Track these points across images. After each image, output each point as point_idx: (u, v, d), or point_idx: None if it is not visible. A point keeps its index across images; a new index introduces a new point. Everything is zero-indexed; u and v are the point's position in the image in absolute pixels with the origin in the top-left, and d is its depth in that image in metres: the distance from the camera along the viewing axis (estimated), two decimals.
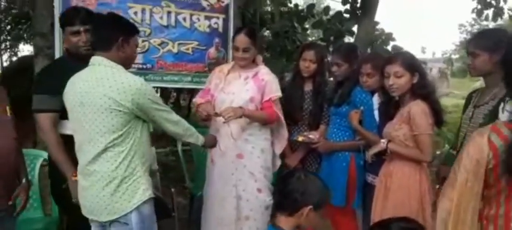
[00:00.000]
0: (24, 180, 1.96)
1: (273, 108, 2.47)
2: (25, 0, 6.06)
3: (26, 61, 5.27)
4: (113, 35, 1.77)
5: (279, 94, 2.51)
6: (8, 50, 12.14)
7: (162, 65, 3.45)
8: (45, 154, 2.53)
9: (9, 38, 10.51)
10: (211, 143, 2.28)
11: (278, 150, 2.62)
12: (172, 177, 4.16)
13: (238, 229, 2.48)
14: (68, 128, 1.97)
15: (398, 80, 2.05)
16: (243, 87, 2.48)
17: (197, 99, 2.61)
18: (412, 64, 2.06)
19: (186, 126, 1.97)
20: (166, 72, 3.43)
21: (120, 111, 1.68)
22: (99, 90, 1.69)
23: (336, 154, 2.52)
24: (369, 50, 4.90)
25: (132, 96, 1.68)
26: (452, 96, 12.83)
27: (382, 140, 2.12)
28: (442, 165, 2.20)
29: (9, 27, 9.34)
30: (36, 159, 2.73)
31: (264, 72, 2.54)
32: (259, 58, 2.64)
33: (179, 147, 2.72)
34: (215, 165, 2.54)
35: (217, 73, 2.62)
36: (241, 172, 2.48)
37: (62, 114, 2.01)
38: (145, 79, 3.29)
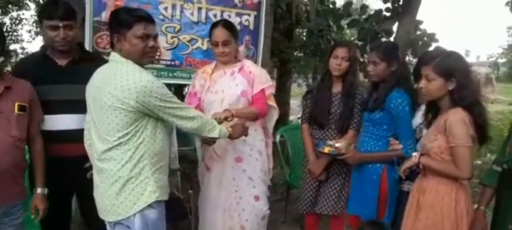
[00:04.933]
0: (39, 189, 1.96)
1: (263, 99, 2.38)
2: None
3: None
4: (111, 33, 1.77)
5: (270, 83, 2.43)
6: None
7: (191, 62, 3.41)
8: None
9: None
10: (240, 133, 2.13)
11: (270, 149, 2.55)
12: None
13: None
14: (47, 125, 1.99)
15: (428, 84, 1.86)
16: (231, 82, 2.39)
17: None
18: (448, 69, 1.82)
19: (204, 121, 1.88)
20: (195, 69, 3.37)
21: (124, 109, 1.64)
22: (106, 87, 1.66)
23: (366, 165, 2.33)
24: (409, 52, 4.66)
25: (136, 94, 1.63)
26: (499, 102, 12.13)
27: (414, 153, 1.94)
28: (486, 187, 1.95)
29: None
30: None
31: (249, 65, 2.46)
32: (241, 53, 2.56)
33: (197, 144, 2.63)
34: (212, 172, 2.46)
35: (200, 75, 2.54)
36: (240, 177, 2.40)
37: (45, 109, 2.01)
38: (173, 77, 3.39)
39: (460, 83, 1.80)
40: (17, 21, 12.85)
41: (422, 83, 1.89)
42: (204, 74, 2.51)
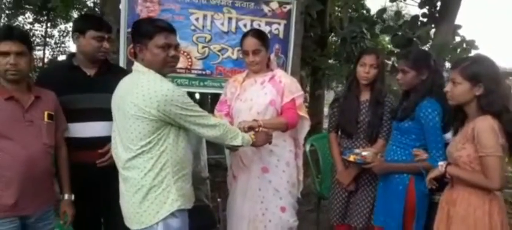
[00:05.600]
0: (66, 195, 2.04)
1: (294, 109, 2.34)
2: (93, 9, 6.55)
3: None
4: (133, 43, 1.83)
5: (301, 92, 2.39)
6: None
7: (221, 71, 3.47)
8: None
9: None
10: (264, 141, 2.13)
11: (300, 160, 2.51)
12: None
13: None
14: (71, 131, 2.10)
15: (454, 88, 1.80)
16: (260, 91, 2.38)
17: (215, 113, 2.54)
18: (475, 74, 1.75)
19: (226, 129, 1.89)
20: (225, 78, 3.42)
21: (146, 118, 1.67)
22: (129, 97, 1.71)
23: (392, 175, 2.25)
24: (447, 59, 4.47)
25: (157, 103, 1.65)
26: None
27: (441, 162, 1.86)
28: None
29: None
30: None
31: (281, 74, 2.44)
32: (274, 63, 2.54)
33: (226, 152, 2.65)
34: (238, 181, 2.45)
35: (231, 83, 2.55)
36: (266, 188, 2.37)
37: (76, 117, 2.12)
38: (204, 86, 3.46)
39: (488, 88, 1.73)
40: (65, 34, 13.59)
41: (448, 87, 1.84)
42: (235, 82, 2.53)
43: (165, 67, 1.80)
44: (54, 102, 2.02)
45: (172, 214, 1.75)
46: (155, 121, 1.69)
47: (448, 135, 2.10)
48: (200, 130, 1.80)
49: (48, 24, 13.08)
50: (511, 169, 3.80)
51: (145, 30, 1.77)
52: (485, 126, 1.69)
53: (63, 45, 13.88)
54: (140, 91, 1.68)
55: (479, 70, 1.76)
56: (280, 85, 2.38)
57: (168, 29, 1.80)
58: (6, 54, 1.78)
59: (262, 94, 2.38)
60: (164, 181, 1.73)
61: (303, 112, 2.46)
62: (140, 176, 1.72)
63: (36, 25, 12.92)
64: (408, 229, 2.20)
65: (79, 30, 2.20)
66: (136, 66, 1.80)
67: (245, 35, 2.45)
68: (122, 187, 1.83)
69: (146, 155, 1.71)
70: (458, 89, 1.79)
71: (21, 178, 1.78)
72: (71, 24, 12.60)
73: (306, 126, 2.54)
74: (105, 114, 2.04)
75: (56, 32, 13.57)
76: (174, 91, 1.69)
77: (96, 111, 2.15)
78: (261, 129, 2.16)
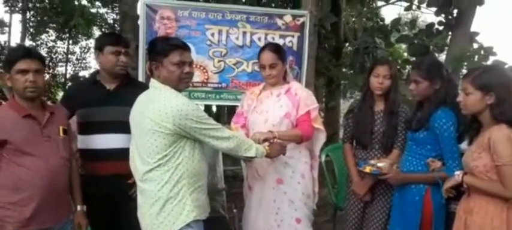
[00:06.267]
0: (79, 207, 2.10)
1: (309, 121, 2.37)
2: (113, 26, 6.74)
3: None
4: (149, 61, 1.89)
5: (316, 105, 2.43)
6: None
7: (237, 84, 3.54)
8: None
9: None
10: (278, 152, 2.17)
11: (316, 172, 2.54)
12: None
13: None
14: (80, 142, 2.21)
15: (466, 98, 1.82)
16: (276, 103, 2.42)
17: (232, 125, 2.58)
18: (486, 83, 1.76)
19: (240, 141, 1.93)
20: (240, 91, 3.49)
21: (162, 132, 1.73)
22: (145, 112, 1.77)
23: (409, 185, 2.23)
24: (464, 67, 4.43)
25: (173, 118, 1.71)
26: None
27: (457, 172, 1.86)
28: None
29: None
30: None
31: (297, 87, 2.47)
32: (290, 76, 2.58)
33: (242, 164, 2.70)
34: (253, 192, 2.48)
35: (248, 95, 2.59)
36: (281, 200, 2.38)
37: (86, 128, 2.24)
38: (220, 98, 3.54)
39: (500, 97, 1.74)
40: (86, 50, 13.98)
41: (460, 97, 1.86)
42: (252, 95, 2.58)
43: (180, 83, 1.86)
44: (67, 117, 2.11)
45: (188, 225, 1.79)
46: (171, 135, 1.74)
47: (464, 145, 2.09)
48: (214, 142, 1.85)
49: (70, 42, 13.49)
50: None
51: (160, 48, 1.84)
52: (501, 136, 1.70)
53: (84, 61, 14.27)
54: (156, 106, 1.74)
55: (490, 80, 1.77)
56: (295, 98, 2.42)
57: (183, 46, 1.87)
58: (25, 71, 1.86)
59: (278, 106, 2.42)
60: (180, 192, 1.78)
61: (319, 124, 2.48)
62: (157, 189, 1.77)
63: (59, 42, 13.35)
64: None
65: (98, 47, 2.31)
66: (153, 82, 1.87)
67: (262, 49, 2.50)
68: (140, 199, 1.88)
69: (163, 168, 1.76)
70: (470, 99, 1.81)
71: (43, 192, 1.85)
72: (91, 40, 13.02)
73: (321, 138, 2.56)
74: (122, 127, 2.12)
75: (77, 49, 13.98)
76: (188, 106, 1.75)
77: (112, 124, 2.24)
78: (276, 140, 2.20)
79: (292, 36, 3.57)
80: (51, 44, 13.10)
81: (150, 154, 1.77)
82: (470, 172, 1.82)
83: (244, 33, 3.49)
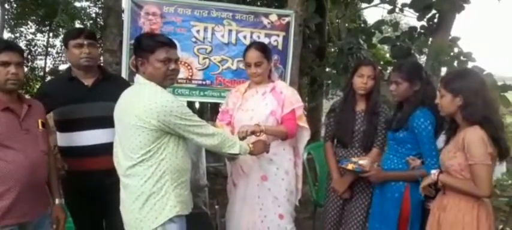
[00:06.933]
0: (57, 200, 2.10)
1: (294, 119, 2.42)
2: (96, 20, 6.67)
3: None
4: (135, 57, 1.90)
5: (301, 103, 2.47)
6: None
7: (221, 81, 3.56)
8: None
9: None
10: (261, 150, 2.20)
11: (300, 169, 2.58)
12: None
13: None
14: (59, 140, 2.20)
15: (441, 100, 1.93)
16: (261, 102, 2.46)
17: (217, 122, 2.61)
18: (455, 86, 1.88)
19: (224, 138, 1.96)
20: (224, 88, 3.51)
21: (146, 128, 1.74)
22: (130, 108, 1.78)
23: (389, 183, 2.32)
24: (442, 71, 4.56)
25: (157, 114, 1.72)
26: None
27: (433, 171, 1.93)
28: None
29: None
30: None
31: (282, 86, 2.52)
32: (275, 74, 2.63)
33: (226, 160, 2.73)
34: (238, 188, 2.51)
35: (234, 93, 2.63)
36: (265, 196, 2.43)
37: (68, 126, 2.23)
38: (204, 95, 3.55)
39: (467, 100, 1.84)
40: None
41: (437, 98, 1.96)
42: (237, 93, 2.61)
43: (166, 80, 1.88)
44: (44, 111, 2.09)
45: (171, 220, 1.81)
46: (155, 131, 1.76)
47: (438, 142, 2.19)
48: (199, 139, 1.87)
49: (50, 35, 13.20)
50: (506, 178, 3.86)
51: (146, 44, 1.85)
52: (474, 137, 1.78)
53: (64, 55, 13.98)
54: (141, 102, 1.75)
55: (459, 83, 1.88)
56: (280, 96, 2.46)
57: (169, 43, 1.88)
58: (7, 64, 1.84)
59: (263, 104, 2.46)
60: (163, 188, 1.80)
61: (303, 123, 2.52)
62: (140, 184, 1.79)
63: (39, 35, 13.04)
64: None
65: (65, 44, 2.33)
66: (138, 78, 1.88)
67: (248, 47, 2.53)
68: (123, 194, 1.89)
69: (146, 163, 1.78)
70: (443, 101, 1.92)
71: (22, 186, 1.83)
72: None
73: (305, 136, 2.60)
74: (103, 122, 2.15)
75: (57, 42, 13.68)
76: (173, 103, 1.77)
77: (93, 120, 2.24)
78: (262, 134, 2.24)
79: (278, 35, 3.60)
80: (30, 36, 12.79)
81: (133, 150, 1.78)
82: (446, 170, 1.90)
83: (230, 31, 3.51)
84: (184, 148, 1.89)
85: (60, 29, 13.12)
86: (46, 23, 12.27)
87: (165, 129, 1.77)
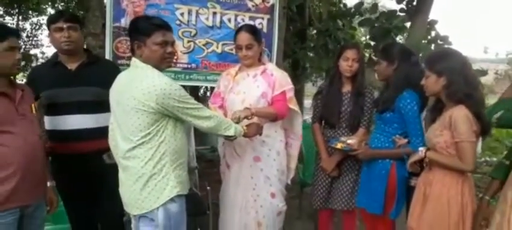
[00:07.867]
0: (49, 183, 2.10)
1: (284, 101, 2.46)
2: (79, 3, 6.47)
3: None
4: (131, 40, 1.89)
5: (291, 86, 2.51)
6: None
7: (206, 65, 3.54)
8: None
9: None
10: (255, 132, 2.25)
11: (295, 150, 2.61)
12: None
13: None
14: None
15: (426, 81, 2.00)
16: (252, 84, 2.49)
17: (210, 105, 2.64)
18: (438, 67, 1.95)
19: (220, 120, 2.00)
20: (210, 72, 3.50)
21: (145, 110, 1.76)
22: (128, 91, 1.79)
23: (376, 160, 2.42)
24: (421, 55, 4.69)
25: (156, 97, 1.74)
26: None
27: (421, 148, 2.03)
28: (494, 179, 1.99)
29: None
30: None
31: (272, 68, 2.56)
32: (265, 57, 2.66)
33: (219, 143, 2.77)
34: (231, 170, 2.57)
35: (225, 76, 2.65)
36: (258, 176, 2.50)
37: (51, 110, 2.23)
38: (190, 79, 3.53)
39: (449, 80, 1.91)
40: (37, 27, 13.17)
41: (423, 80, 2.03)
42: (228, 76, 2.62)
43: (163, 63, 1.89)
44: (33, 96, 2.08)
45: (172, 200, 1.85)
46: (154, 114, 1.77)
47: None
48: (196, 121, 1.90)
49: (20, 17, 12.67)
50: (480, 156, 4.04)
51: (143, 27, 1.85)
52: (460, 115, 1.87)
53: (35, 39, 13.49)
54: (139, 85, 1.76)
55: (443, 64, 1.95)
56: (271, 78, 2.49)
57: (165, 26, 1.89)
58: (14, 49, 1.84)
59: (255, 87, 2.48)
60: (163, 169, 1.82)
61: (293, 105, 2.55)
62: (141, 165, 1.81)
63: (7, 18, 12.50)
64: (388, 209, 2.38)
65: (48, 28, 2.30)
66: (134, 61, 1.88)
67: (239, 30, 2.55)
68: (122, 175, 1.91)
69: (146, 145, 1.80)
70: (428, 81, 2.00)
71: (23, 170, 1.83)
72: (44, 17, 12.30)
73: (298, 118, 2.64)
74: (85, 107, 2.17)
75: (28, 25, 13.17)
76: (171, 86, 1.78)
77: (76, 104, 2.24)
78: (254, 117, 2.27)
79: (262, 19, 3.59)
80: None
81: (133, 132, 1.79)
82: (433, 147, 1.99)
83: (214, 13, 3.48)
84: (182, 130, 1.91)
85: (30, 12, 12.62)
86: (15, 5, 11.76)
87: (163, 112, 1.79)
